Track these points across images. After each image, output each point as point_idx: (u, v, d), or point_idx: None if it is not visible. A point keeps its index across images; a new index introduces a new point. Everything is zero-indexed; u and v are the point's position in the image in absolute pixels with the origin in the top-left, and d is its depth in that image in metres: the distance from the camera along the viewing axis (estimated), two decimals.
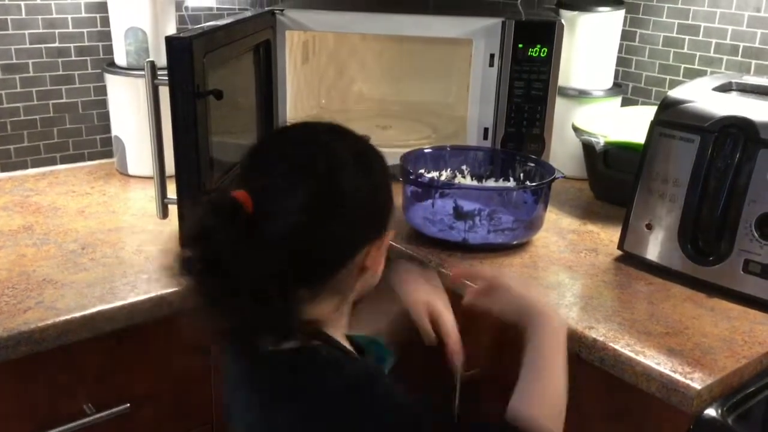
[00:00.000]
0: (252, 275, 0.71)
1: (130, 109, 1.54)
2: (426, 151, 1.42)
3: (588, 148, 1.47)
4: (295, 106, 1.65)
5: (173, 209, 1.21)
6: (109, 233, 1.29)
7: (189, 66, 1.09)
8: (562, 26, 1.44)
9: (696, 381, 0.90)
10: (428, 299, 0.97)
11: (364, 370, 0.79)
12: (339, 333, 0.83)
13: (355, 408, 0.74)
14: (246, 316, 0.73)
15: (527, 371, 0.86)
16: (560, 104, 1.53)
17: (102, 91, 1.63)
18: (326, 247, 0.77)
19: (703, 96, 1.17)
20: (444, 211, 1.26)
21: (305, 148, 0.79)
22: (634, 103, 1.73)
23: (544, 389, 0.86)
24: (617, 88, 1.69)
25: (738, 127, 1.09)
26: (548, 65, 1.45)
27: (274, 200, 0.74)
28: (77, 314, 1.02)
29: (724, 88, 1.23)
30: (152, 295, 1.08)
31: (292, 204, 0.74)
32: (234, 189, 0.74)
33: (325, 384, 0.76)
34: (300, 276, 0.75)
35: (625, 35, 1.69)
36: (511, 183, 1.38)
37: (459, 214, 1.25)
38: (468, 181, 1.40)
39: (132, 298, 1.06)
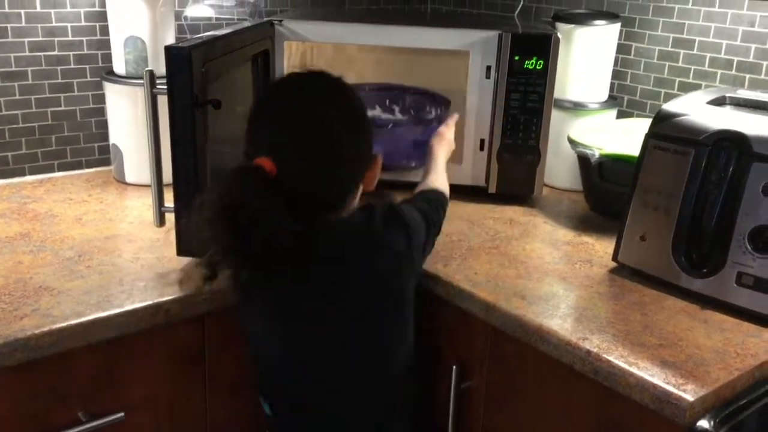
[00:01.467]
0: (275, 235, 0.88)
1: (129, 118, 1.55)
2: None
3: (583, 160, 1.48)
4: None
5: (170, 217, 1.21)
6: (105, 241, 1.29)
7: (188, 75, 1.09)
8: (558, 39, 1.45)
9: (689, 393, 0.90)
10: None
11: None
12: None
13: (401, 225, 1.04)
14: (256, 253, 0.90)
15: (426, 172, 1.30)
16: (556, 116, 1.54)
17: (100, 99, 1.64)
18: (336, 188, 1.00)
19: (697, 109, 1.18)
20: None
21: (306, 117, 0.97)
22: (629, 115, 1.74)
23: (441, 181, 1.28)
24: (612, 100, 1.70)
25: (732, 141, 1.10)
26: (544, 78, 1.46)
27: (290, 162, 0.94)
28: (73, 322, 1.02)
29: (718, 102, 1.25)
30: (148, 303, 1.08)
31: (305, 164, 0.95)
32: (253, 155, 0.93)
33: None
34: (320, 211, 0.98)
35: (621, 48, 1.71)
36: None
37: None
38: None
39: (128, 306, 1.07)
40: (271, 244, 0.89)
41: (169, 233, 1.32)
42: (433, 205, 1.18)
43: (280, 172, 0.92)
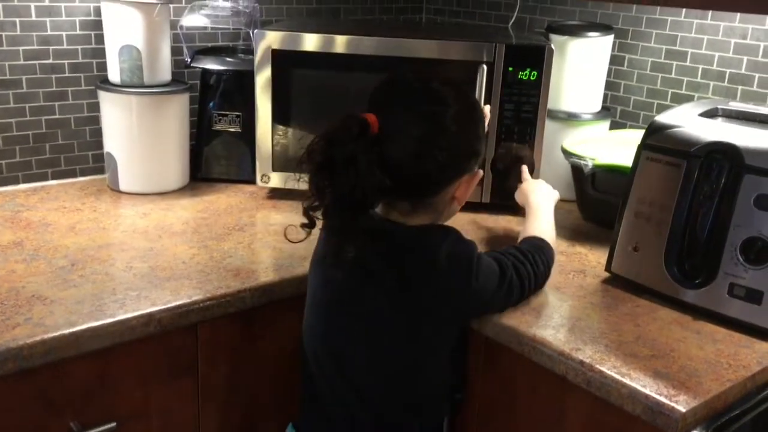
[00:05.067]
0: (360, 181, 0.93)
1: (123, 126, 1.55)
2: None
3: (577, 170, 1.48)
4: None
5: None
6: (99, 250, 1.29)
7: None
8: (551, 51, 1.46)
9: (681, 403, 0.90)
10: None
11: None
12: None
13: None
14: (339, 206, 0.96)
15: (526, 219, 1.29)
16: (549, 127, 1.55)
17: (95, 107, 1.64)
18: (430, 171, 1.00)
19: (689, 121, 1.19)
20: None
21: (424, 95, 1.01)
22: (623, 126, 1.75)
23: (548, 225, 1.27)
24: (606, 111, 1.71)
25: (723, 153, 1.10)
26: (538, 88, 1.47)
27: (395, 128, 0.97)
28: (66, 331, 1.01)
29: (710, 114, 1.25)
30: (141, 312, 1.08)
31: (409, 134, 0.97)
32: (364, 113, 0.97)
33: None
34: (405, 191, 1.01)
35: (614, 60, 1.72)
36: None
37: None
38: None
39: (121, 316, 1.06)
40: (357, 190, 0.94)
41: (162, 242, 1.33)
42: (529, 256, 1.14)
43: (381, 130, 0.96)
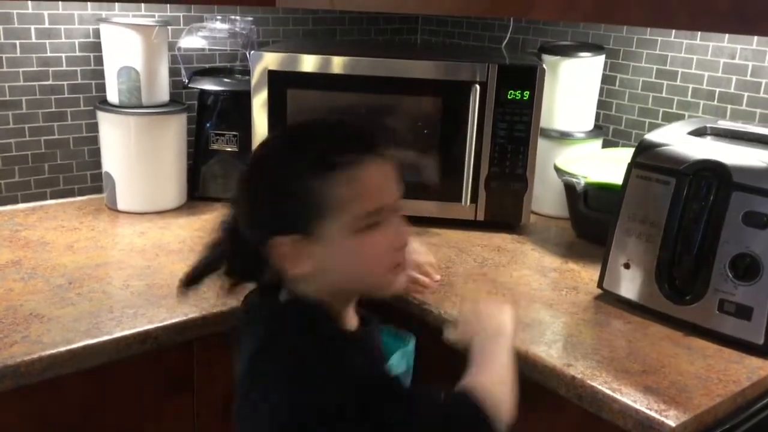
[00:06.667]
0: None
1: (121, 146, 1.57)
2: None
3: (569, 188, 1.50)
4: None
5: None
6: (96, 268, 1.30)
7: None
8: (543, 71, 1.48)
9: (671, 418, 0.91)
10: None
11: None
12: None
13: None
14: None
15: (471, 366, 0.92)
16: (543, 145, 1.57)
17: (93, 128, 1.66)
18: (254, 227, 0.90)
19: (678, 140, 1.21)
20: None
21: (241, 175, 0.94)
22: (615, 144, 1.77)
23: (491, 376, 0.90)
24: (598, 130, 1.73)
25: (712, 171, 1.12)
26: (530, 108, 1.49)
27: (237, 215, 0.93)
28: (63, 349, 1.02)
29: (699, 133, 1.27)
30: (138, 330, 1.09)
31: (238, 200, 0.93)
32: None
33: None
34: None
35: (606, 79, 1.74)
36: None
37: None
38: None
39: (117, 333, 1.07)
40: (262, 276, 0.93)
41: (158, 261, 1.34)
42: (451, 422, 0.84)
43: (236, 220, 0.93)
